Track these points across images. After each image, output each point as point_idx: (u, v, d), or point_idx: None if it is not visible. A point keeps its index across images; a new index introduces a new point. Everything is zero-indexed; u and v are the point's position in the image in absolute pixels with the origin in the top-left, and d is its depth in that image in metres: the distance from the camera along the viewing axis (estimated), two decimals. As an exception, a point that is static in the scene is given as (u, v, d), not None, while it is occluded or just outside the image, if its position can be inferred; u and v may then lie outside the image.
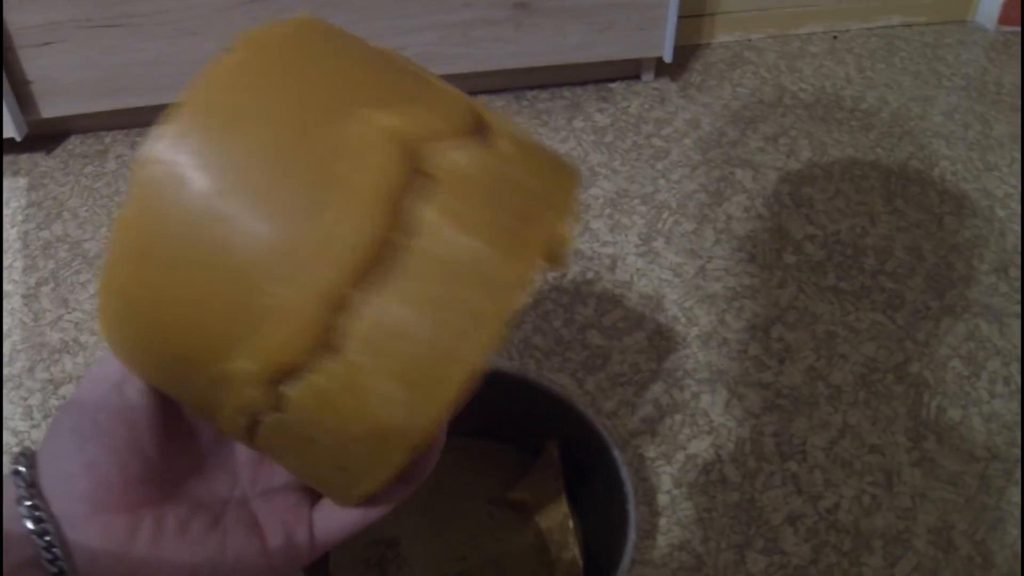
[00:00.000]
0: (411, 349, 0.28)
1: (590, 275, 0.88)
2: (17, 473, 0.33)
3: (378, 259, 0.28)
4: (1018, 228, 0.95)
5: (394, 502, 0.36)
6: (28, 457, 0.34)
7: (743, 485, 0.74)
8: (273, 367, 0.29)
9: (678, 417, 0.78)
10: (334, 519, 0.36)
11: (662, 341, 0.83)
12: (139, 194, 0.29)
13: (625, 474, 0.62)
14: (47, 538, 0.31)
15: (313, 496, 0.37)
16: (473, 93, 1.10)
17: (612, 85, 1.15)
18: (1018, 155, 1.06)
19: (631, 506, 0.61)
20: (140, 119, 1.08)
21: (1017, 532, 0.72)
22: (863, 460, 0.75)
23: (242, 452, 0.38)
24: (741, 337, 0.83)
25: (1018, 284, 0.89)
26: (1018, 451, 0.76)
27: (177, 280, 0.29)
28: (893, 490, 0.73)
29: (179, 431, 0.36)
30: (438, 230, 0.29)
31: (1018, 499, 0.73)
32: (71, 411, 0.34)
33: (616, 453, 0.63)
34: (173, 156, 0.29)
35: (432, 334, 0.28)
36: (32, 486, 0.33)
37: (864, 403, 0.79)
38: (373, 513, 0.36)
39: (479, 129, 0.32)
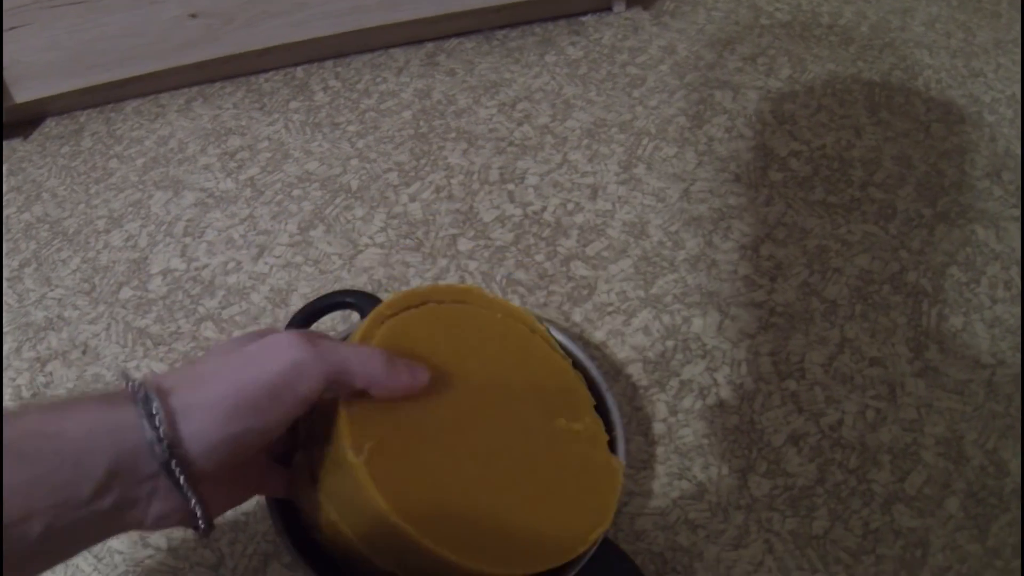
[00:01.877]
0: None
1: (570, 206, 0.84)
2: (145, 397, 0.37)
3: None
4: (1008, 132, 0.92)
5: None
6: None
7: (741, 407, 0.71)
8: None
9: (670, 343, 0.75)
10: None
11: (649, 267, 0.80)
12: None
13: (611, 401, 0.59)
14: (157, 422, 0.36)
15: None
16: (443, 37, 1.06)
17: (583, 18, 1.11)
18: (1004, 61, 1.02)
19: (619, 433, 0.58)
20: (113, 95, 1.04)
21: (1029, 437, 0.69)
22: (864, 374, 0.72)
23: None
24: (730, 258, 0.80)
25: (1012, 188, 0.86)
26: None
27: None
28: (897, 402, 0.71)
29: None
30: None
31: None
32: (235, 371, 0.40)
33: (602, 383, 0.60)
34: None
35: None
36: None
37: (861, 316, 0.76)
38: None
39: None
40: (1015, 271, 0.79)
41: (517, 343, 0.57)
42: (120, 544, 0.67)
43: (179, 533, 0.67)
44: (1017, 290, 0.77)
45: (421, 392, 0.48)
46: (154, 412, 0.36)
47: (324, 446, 0.48)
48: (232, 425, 0.38)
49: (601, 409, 0.59)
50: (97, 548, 0.66)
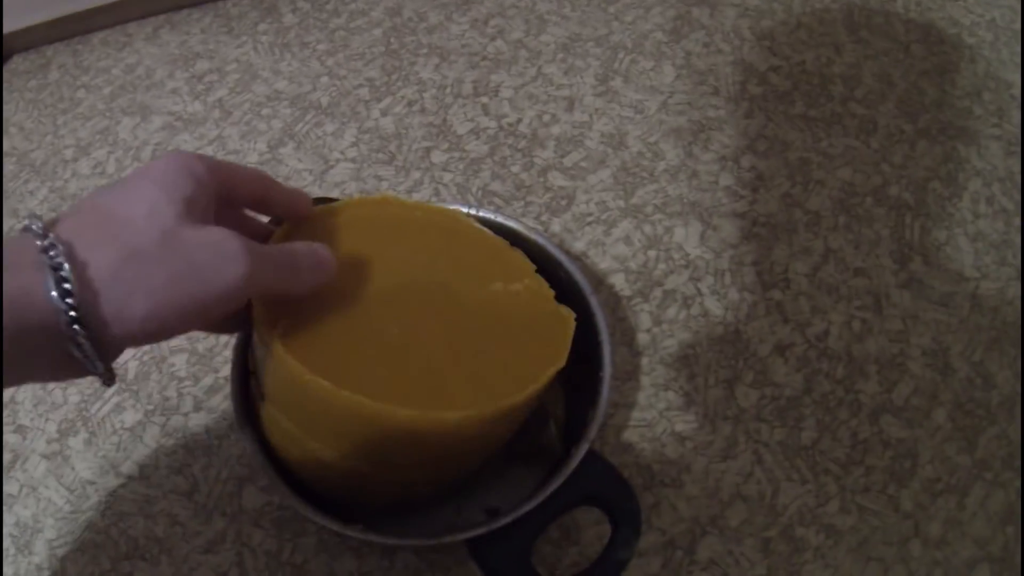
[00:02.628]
0: None
1: (546, 118, 0.81)
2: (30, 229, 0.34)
3: None
4: (988, 55, 0.90)
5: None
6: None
7: (726, 317, 0.68)
8: None
9: (652, 253, 0.72)
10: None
11: (628, 178, 0.77)
12: None
13: (596, 306, 0.57)
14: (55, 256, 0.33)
15: None
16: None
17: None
18: (979, -14, 1.01)
19: (604, 339, 0.56)
20: (79, 27, 0.99)
21: (1016, 351, 0.68)
22: (849, 284, 0.70)
23: None
24: (711, 168, 0.77)
25: (993, 108, 0.84)
26: (1009, 270, 0.72)
27: None
28: (883, 313, 0.69)
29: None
30: None
31: (1014, 318, 0.70)
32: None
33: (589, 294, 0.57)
34: None
35: None
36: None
37: (845, 227, 0.74)
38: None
39: None
40: (997, 187, 0.77)
41: (440, 230, 0.55)
42: (91, 474, 0.64)
43: (152, 460, 0.64)
44: (999, 206, 0.76)
45: (332, 270, 0.46)
46: (65, 278, 0.32)
47: (256, 351, 0.49)
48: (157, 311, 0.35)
49: (585, 316, 0.56)
50: (68, 479, 0.64)
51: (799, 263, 0.71)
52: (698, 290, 0.70)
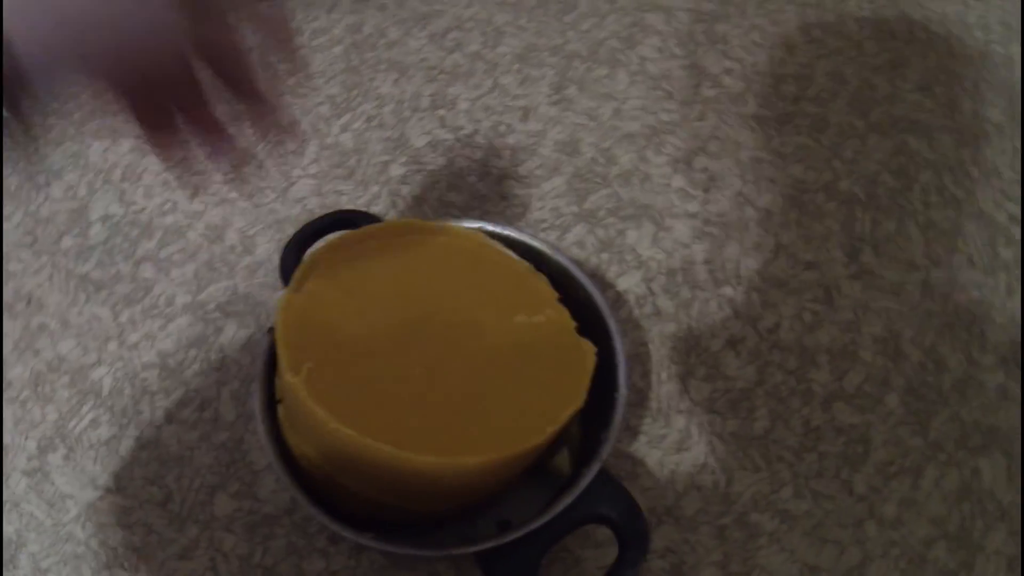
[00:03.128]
0: None
1: (502, 128, 0.83)
2: None
3: None
4: (940, 48, 0.92)
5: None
6: None
7: (678, 315, 0.70)
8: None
9: (605, 256, 0.73)
10: None
11: (582, 184, 0.79)
12: None
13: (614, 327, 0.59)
14: None
15: None
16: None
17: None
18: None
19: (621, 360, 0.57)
20: None
21: (967, 336, 0.69)
22: (800, 278, 0.72)
23: None
24: (663, 171, 0.79)
25: (944, 100, 0.86)
26: (960, 256, 0.73)
27: None
28: (834, 304, 0.70)
29: None
30: None
31: (965, 303, 0.71)
32: None
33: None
34: None
35: None
36: None
37: (796, 223, 0.75)
38: None
39: None
40: (947, 177, 0.79)
41: (465, 256, 0.57)
42: (70, 488, 0.66)
43: (127, 472, 0.66)
44: (949, 195, 0.77)
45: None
46: None
47: (278, 381, 0.51)
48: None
49: (604, 338, 0.57)
50: (49, 494, 0.66)
51: (750, 259, 0.73)
52: (650, 290, 0.71)
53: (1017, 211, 0.76)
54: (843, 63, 0.89)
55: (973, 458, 0.64)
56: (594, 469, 0.52)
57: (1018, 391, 0.66)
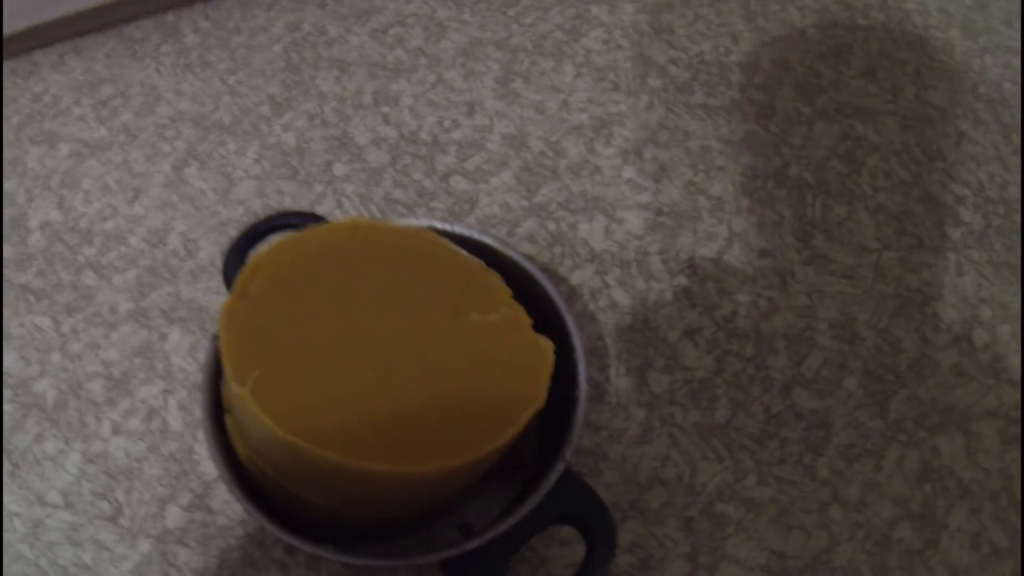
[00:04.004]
0: None
1: (447, 123, 0.81)
2: None
3: None
4: (880, 35, 0.92)
5: None
6: None
7: (634, 307, 0.69)
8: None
9: (557, 250, 0.72)
10: None
11: (531, 178, 0.77)
12: None
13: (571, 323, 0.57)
14: None
15: None
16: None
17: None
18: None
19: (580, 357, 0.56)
20: None
21: (921, 316, 0.69)
22: (754, 266, 0.71)
23: None
24: (614, 163, 0.78)
25: (887, 85, 0.86)
26: (910, 239, 0.74)
27: None
28: (789, 290, 0.70)
29: None
30: None
31: (917, 284, 0.71)
32: None
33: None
34: None
35: None
36: None
37: (748, 210, 0.75)
38: None
39: None
40: (894, 161, 0.79)
41: (415, 255, 0.54)
42: (17, 506, 0.63)
43: (75, 488, 0.63)
44: (897, 179, 0.78)
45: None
46: None
47: (225, 390, 0.49)
48: None
49: (562, 335, 0.56)
50: None
51: (704, 248, 0.72)
52: (605, 283, 0.70)
53: (964, 192, 0.77)
54: (787, 50, 0.89)
55: (932, 437, 0.64)
56: (558, 470, 0.51)
57: (973, 369, 0.67)
